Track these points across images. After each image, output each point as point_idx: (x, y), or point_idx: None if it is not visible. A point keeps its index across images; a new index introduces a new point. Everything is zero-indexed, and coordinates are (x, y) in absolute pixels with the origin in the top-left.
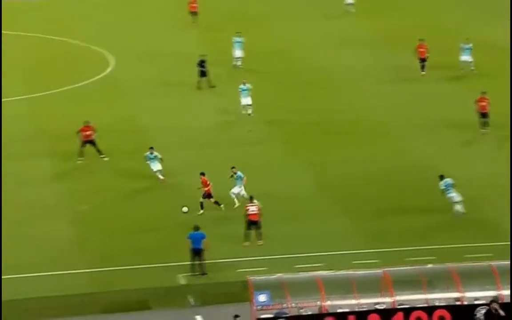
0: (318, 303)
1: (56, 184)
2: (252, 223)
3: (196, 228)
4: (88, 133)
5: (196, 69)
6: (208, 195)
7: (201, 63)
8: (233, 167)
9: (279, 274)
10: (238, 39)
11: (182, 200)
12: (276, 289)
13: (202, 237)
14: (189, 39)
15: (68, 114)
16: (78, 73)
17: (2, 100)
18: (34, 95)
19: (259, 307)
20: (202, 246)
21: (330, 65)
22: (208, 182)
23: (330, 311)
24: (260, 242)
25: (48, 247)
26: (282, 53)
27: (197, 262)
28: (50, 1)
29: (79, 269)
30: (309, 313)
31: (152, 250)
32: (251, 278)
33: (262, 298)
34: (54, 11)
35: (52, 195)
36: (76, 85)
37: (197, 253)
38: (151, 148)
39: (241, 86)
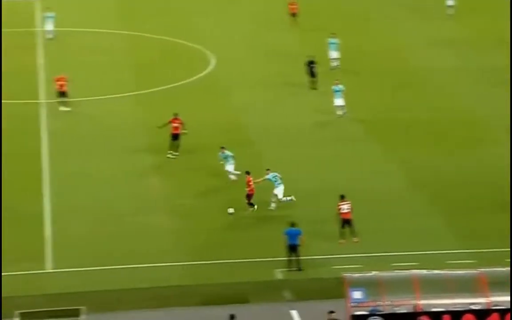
0: (413, 301)
1: (158, 178)
2: (345, 221)
3: (293, 224)
4: (175, 125)
5: (302, 69)
6: (248, 195)
7: (310, 64)
8: (267, 169)
9: (374, 272)
10: (333, 40)
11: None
12: (371, 287)
13: (298, 233)
14: (288, 39)
15: (170, 111)
16: (181, 71)
17: (113, 96)
18: (141, 92)
19: (354, 304)
20: (298, 242)
21: (427, 65)
22: (251, 183)
23: (425, 310)
24: (356, 239)
25: (149, 239)
26: (380, 54)
27: (293, 258)
28: (157, 3)
29: (178, 262)
30: (404, 311)
31: (249, 244)
32: (346, 275)
33: (357, 295)
34: (161, 11)
35: (154, 188)
36: (179, 83)
37: (293, 249)
38: (222, 147)
39: (334, 86)
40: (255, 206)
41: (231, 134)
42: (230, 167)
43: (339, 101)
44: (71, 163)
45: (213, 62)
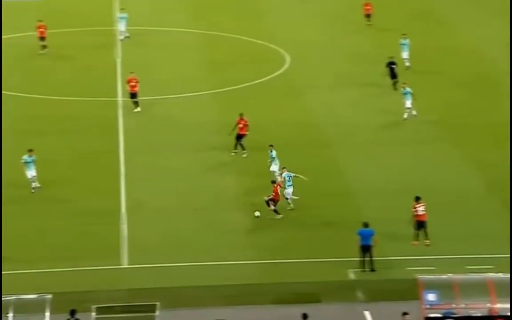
0: (488, 305)
1: (231, 175)
2: (420, 223)
3: (366, 225)
4: (240, 125)
5: (376, 69)
6: (271, 200)
7: (390, 64)
8: (284, 168)
9: (448, 274)
10: (404, 41)
11: (349, 196)
12: (445, 289)
13: (371, 233)
14: (363, 40)
15: (246, 109)
16: (255, 70)
17: (188, 94)
18: (216, 90)
19: (428, 306)
20: (371, 242)
21: (502, 66)
22: (278, 191)
23: (501, 313)
24: (427, 242)
25: (223, 236)
26: (453, 54)
27: (366, 259)
28: (232, 1)
29: (251, 260)
30: (479, 314)
31: (322, 244)
32: (420, 276)
33: (431, 297)
34: (236, 10)
35: (228, 185)
36: (254, 82)
37: (366, 249)
38: (271, 145)
39: (402, 89)
40: (281, 215)
41: (304, 133)
42: (274, 167)
43: (407, 103)
44: (146, 160)
45: (288, 61)
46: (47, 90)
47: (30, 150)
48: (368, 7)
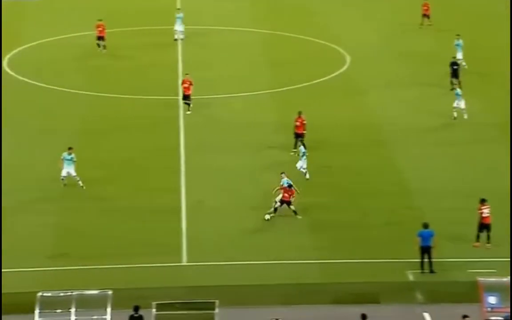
0: None
1: (296, 174)
2: (484, 226)
3: (426, 226)
4: (297, 124)
5: (435, 70)
6: (284, 202)
7: (453, 65)
8: (282, 173)
9: (509, 277)
10: (458, 42)
11: (408, 197)
12: (506, 292)
13: (431, 234)
14: (421, 40)
15: (305, 109)
16: (316, 70)
17: (249, 93)
18: (277, 90)
19: (488, 309)
20: (431, 243)
21: None
22: (292, 194)
23: None
24: (489, 245)
25: (281, 235)
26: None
27: (426, 260)
28: (292, 1)
29: (310, 259)
30: None
31: (382, 244)
32: (481, 279)
33: (492, 300)
34: (296, 10)
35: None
36: (314, 81)
37: (426, 250)
38: (302, 141)
39: (454, 90)
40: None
41: (364, 133)
42: (301, 163)
43: (459, 104)
44: (205, 159)
45: (348, 61)
46: (108, 89)
47: (70, 148)
48: (426, 7)
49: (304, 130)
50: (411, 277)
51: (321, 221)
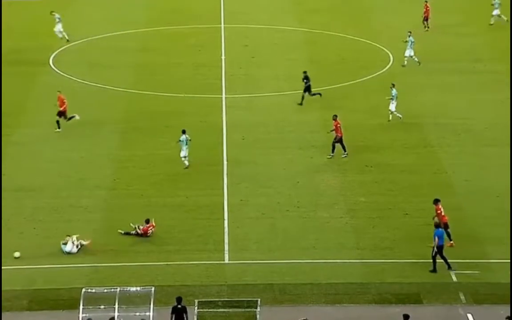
0: None
1: (338, 173)
2: (446, 225)
3: (438, 225)
4: (334, 127)
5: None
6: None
7: (305, 79)
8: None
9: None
10: (409, 38)
11: (452, 197)
12: None
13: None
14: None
15: (348, 108)
16: (360, 69)
17: (293, 92)
18: (321, 88)
19: None
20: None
21: None
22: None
23: None
24: (453, 242)
25: (324, 234)
26: None
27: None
28: (341, 1)
29: (353, 259)
30: None
31: (424, 244)
32: None
33: None
34: (340, 9)
35: (332, 184)
36: (358, 80)
37: (440, 249)
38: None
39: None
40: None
41: (407, 132)
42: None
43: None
44: (248, 157)
45: (391, 60)
46: (154, 87)
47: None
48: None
49: (340, 133)
50: (454, 278)
51: (364, 221)
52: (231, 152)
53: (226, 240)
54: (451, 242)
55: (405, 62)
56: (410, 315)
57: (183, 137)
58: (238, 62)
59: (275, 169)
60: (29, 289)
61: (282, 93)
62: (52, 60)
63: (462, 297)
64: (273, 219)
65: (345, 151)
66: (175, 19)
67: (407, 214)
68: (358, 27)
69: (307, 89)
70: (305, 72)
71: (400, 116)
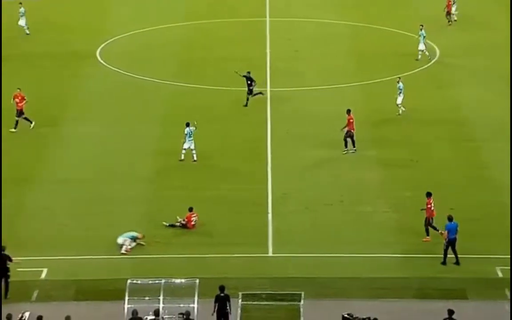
0: None
1: (380, 169)
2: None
3: (451, 219)
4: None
5: None
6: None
7: (248, 80)
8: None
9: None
10: (421, 32)
11: (496, 191)
12: None
13: (457, 227)
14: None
15: (390, 101)
16: (404, 63)
17: (336, 85)
18: (363, 82)
19: None
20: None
21: None
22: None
23: None
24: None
25: (367, 229)
26: None
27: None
28: None
29: (396, 253)
30: None
31: (471, 239)
32: None
33: None
34: (383, 1)
35: (374, 177)
36: (403, 74)
37: (452, 243)
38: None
39: None
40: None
41: (450, 126)
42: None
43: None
44: (293, 150)
45: (437, 53)
46: (197, 80)
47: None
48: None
49: (352, 128)
50: (500, 274)
51: (408, 215)
52: (275, 146)
53: (269, 233)
54: (428, 238)
55: (419, 56)
56: (455, 310)
57: (187, 129)
58: (283, 56)
59: (318, 163)
60: (75, 279)
61: (326, 86)
62: (99, 52)
63: (508, 293)
64: (316, 212)
65: (354, 146)
66: (219, 12)
67: (452, 209)
68: (402, 20)
69: (250, 91)
70: (248, 72)
71: (403, 109)
